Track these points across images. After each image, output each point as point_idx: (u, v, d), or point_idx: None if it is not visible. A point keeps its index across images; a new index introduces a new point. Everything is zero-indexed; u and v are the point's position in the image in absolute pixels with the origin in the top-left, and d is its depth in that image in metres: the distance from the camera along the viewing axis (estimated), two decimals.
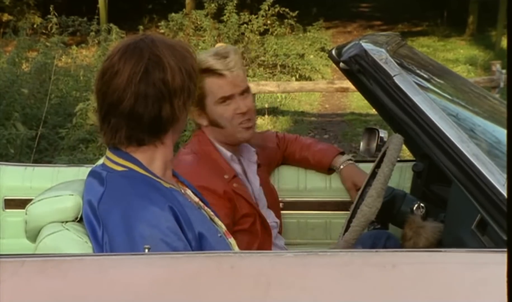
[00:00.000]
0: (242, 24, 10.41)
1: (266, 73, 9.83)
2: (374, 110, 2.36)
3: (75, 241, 1.44)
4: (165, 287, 1.19)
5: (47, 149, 5.85)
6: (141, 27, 10.04)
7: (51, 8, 8.11)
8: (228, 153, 2.06)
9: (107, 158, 1.47)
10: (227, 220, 1.91)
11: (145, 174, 1.43)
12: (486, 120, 2.01)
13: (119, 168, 1.43)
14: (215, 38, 9.87)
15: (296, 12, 11.08)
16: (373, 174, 1.80)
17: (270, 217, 2.15)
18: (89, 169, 1.54)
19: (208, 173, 1.97)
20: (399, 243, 1.93)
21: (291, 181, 2.40)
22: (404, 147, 1.82)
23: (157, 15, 14.17)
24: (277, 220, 2.20)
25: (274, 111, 8.28)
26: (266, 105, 8.23)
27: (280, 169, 2.41)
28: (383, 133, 2.25)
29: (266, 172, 2.27)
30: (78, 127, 5.95)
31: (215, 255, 1.27)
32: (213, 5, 10.68)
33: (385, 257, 1.27)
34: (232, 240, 1.60)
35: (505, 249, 0.81)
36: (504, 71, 7.24)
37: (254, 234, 2.04)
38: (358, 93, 2.28)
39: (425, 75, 2.06)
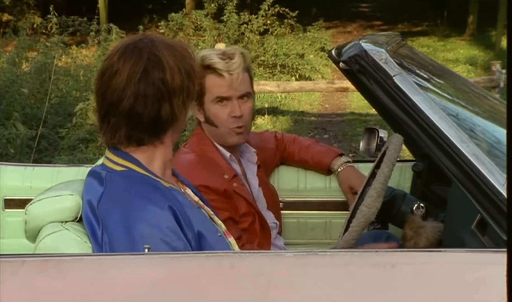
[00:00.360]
0: (242, 24, 10.41)
1: (266, 73, 9.83)
2: (374, 110, 2.36)
3: (74, 241, 1.44)
4: (165, 287, 1.19)
5: (47, 149, 5.85)
6: (141, 27, 10.03)
7: (51, 8, 8.11)
8: (227, 153, 2.06)
9: (107, 158, 1.47)
10: (229, 219, 1.91)
11: (145, 174, 1.43)
12: (486, 120, 2.01)
13: (119, 168, 1.43)
14: (215, 38, 9.86)
15: (296, 12, 11.07)
16: (373, 174, 1.80)
17: (269, 218, 2.15)
18: (89, 169, 1.54)
19: (208, 172, 1.97)
20: (399, 243, 1.92)
21: (291, 181, 2.40)
22: (404, 147, 1.82)
23: (157, 15, 14.18)
24: (277, 221, 2.20)
25: (274, 111, 8.28)
26: (266, 105, 8.24)
27: (280, 169, 2.40)
28: (383, 133, 2.25)
29: (265, 173, 2.26)
30: (78, 127, 5.94)
31: (215, 255, 1.27)
32: (213, 5, 10.68)
33: (385, 257, 1.27)
34: (232, 240, 1.60)
35: (505, 249, 0.81)
36: (504, 71, 7.24)
37: (252, 233, 2.03)
38: (358, 93, 2.28)
39: (425, 75, 2.06)
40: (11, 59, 7.13)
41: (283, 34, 11.35)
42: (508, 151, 0.81)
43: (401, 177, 2.34)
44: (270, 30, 11.08)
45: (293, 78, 9.74)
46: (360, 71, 1.66)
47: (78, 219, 1.51)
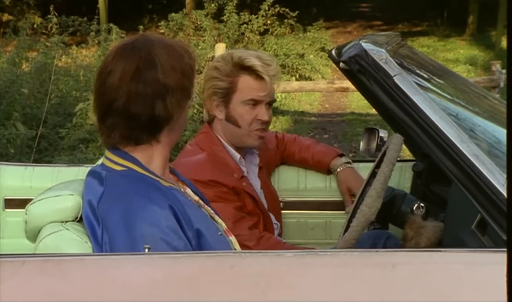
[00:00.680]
0: (242, 24, 10.42)
1: None
2: (374, 110, 2.36)
3: (75, 241, 1.44)
4: (165, 287, 1.19)
5: (47, 149, 5.85)
6: (141, 27, 10.03)
7: (51, 8, 8.11)
8: (237, 155, 2.07)
9: (106, 158, 1.47)
10: (239, 208, 1.92)
11: (145, 174, 1.43)
12: (486, 120, 2.01)
13: (119, 168, 1.43)
14: (215, 38, 9.87)
15: (296, 12, 11.08)
16: (373, 174, 1.80)
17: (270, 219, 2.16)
18: (89, 169, 1.54)
19: (219, 169, 1.98)
20: (399, 243, 1.92)
21: (291, 181, 2.40)
22: (404, 147, 1.82)
23: (157, 15, 14.17)
24: (277, 223, 2.21)
25: (274, 111, 8.20)
26: None
27: (280, 169, 2.41)
28: (383, 133, 2.25)
29: (266, 174, 2.27)
30: (78, 127, 5.94)
31: (215, 255, 1.27)
32: (213, 5, 10.69)
33: (385, 257, 1.27)
34: (232, 238, 1.60)
35: (505, 249, 0.81)
36: (504, 71, 7.24)
37: None
38: (358, 93, 2.28)
39: (425, 75, 2.06)
40: (11, 59, 7.13)
41: (283, 34, 11.36)
42: (508, 151, 0.81)
43: (401, 177, 2.34)
44: (270, 30, 11.08)
45: (293, 78, 9.74)
46: (360, 71, 1.66)
47: (78, 219, 1.51)
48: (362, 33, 13.59)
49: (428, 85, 1.97)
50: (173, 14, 10.78)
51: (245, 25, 10.43)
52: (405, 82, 1.57)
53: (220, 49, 7.40)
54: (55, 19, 7.96)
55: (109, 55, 1.43)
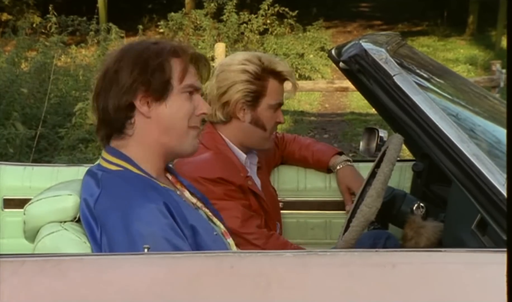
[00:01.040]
0: (242, 23, 10.43)
1: None
2: (374, 110, 2.36)
3: (74, 241, 1.44)
4: (165, 287, 1.19)
5: (47, 149, 5.85)
6: (140, 27, 10.02)
7: (50, 8, 8.12)
8: (243, 155, 2.07)
9: (103, 158, 1.49)
10: (247, 212, 1.93)
11: (140, 174, 1.44)
12: (486, 120, 2.01)
13: (114, 168, 1.45)
14: (215, 37, 9.87)
15: (296, 11, 11.09)
16: (373, 174, 1.80)
17: None
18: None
19: (226, 167, 1.99)
20: (399, 243, 1.92)
21: (291, 181, 2.40)
22: (404, 147, 1.81)
23: (156, 14, 14.17)
24: (277, 223, 2.21)
25: None
26: None
27: (280, 169, 2.40)
28: (383, 133, 2.25)
29: (266, 174, 2.27)
30: (77, 126, 5.95)
31: (215, 255, 1.27)
32: (212, 4, 10.69)
33: (385, 257, 1.26)
34: (230, 240, 1.60)
35: (505, 249, 0.81)
36: (504, 71, 7.24)
37: None
38: (358, 93, 2.28)
39: (425, 75, 2.06)
40: (11, 59, 7.13)
41: (283, 34, 11.36)
42: (508, 151, 0.81)
43: (401, 177, 2.34)
44: (270, 29, 11.09)
45: None
46: (360, 71, 1.66)
47: (77, 219, 1.51)
48: (362, 33, 13.59)
49: (428, 85, 1.96)
50: (173, 13, 10.79)
51: (244, 24, 10.44)
52: (405, 82, 1.57)
53: (220, 48, 7.40)
54: (54, 19, 7.97)
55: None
